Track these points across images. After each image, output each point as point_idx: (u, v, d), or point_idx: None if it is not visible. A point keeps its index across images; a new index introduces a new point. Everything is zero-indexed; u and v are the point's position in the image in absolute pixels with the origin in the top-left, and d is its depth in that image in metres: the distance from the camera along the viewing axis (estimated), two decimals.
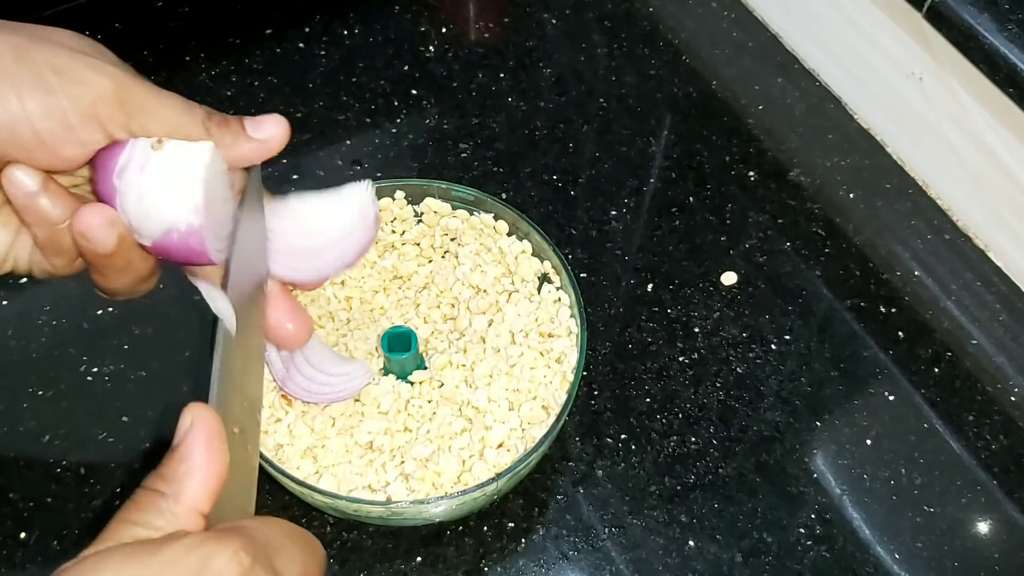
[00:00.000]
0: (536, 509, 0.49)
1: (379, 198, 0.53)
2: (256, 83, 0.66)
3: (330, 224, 0.41)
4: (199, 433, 0.30)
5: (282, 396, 0.47)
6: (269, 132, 0.37)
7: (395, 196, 0.53)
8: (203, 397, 0.52)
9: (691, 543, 0.49)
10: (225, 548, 0.27)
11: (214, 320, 0.35)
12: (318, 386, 0.47)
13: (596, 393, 0.53)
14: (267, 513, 0.48)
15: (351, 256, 0.41)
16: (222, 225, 0.37)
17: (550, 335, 0.49)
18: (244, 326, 0.36)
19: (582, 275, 0.58)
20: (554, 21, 0.72)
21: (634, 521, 0.49)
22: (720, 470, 0.51)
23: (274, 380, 0.47)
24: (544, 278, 0.52)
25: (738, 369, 0.54)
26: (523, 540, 0.49)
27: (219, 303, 0.35)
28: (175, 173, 0.34)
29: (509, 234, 0.52)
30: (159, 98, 0.34)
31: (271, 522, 0.30)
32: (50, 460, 0.50)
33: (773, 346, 0.55)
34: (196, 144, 0.35)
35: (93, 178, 0.35)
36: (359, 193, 0.41)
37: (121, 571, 0.26)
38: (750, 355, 0.55)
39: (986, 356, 0.56)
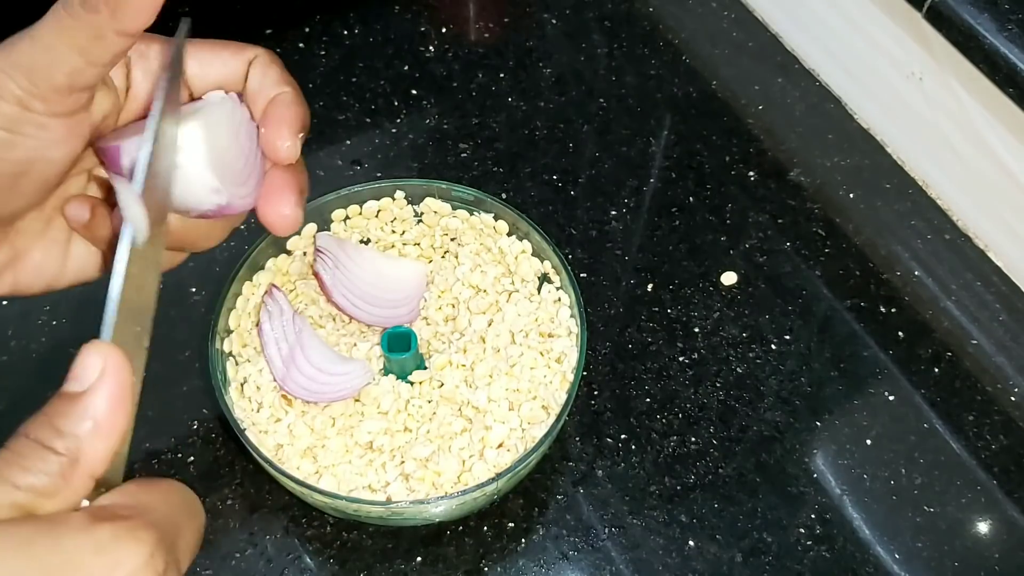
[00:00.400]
0: (536, 509, 0.49)
1: (379, 198, 0.53)
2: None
3: (395, 285, 0.50)
4: (110, 385, 0.26)
5: (282, 396, 0.47)
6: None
7: (395, 196, 0.53)
8: (196, 395, 0.52)
9: (691, 543, 0.49)
10: (140, 551, 0.23)
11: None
12: (318, 385, 0.47)
13: (596, 393, 0.53)
14: (267, 513, 0.49)
15: (404, 318, 0.50)
16: (248, 173, 0.36)
17: (550, 335, 0.49)
18: (150, 240, 0.31)
19: (582, 275, 0.58)
20: (554, 21, 0.72)
21: (634, 521, 0.49)
22: (720, 470, 0.51)
23: (274, 379, 0.47)
24: (544, 278, 0.52)
25: (738, 369, 0.55)
26: (523, 540, 0.49)
27: (133, 209, 0.30)
28: (182, 165, 0.34)
29: (509, 234, 0.52)
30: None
31: (166, 495, 0.27)
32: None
33: (773, 346, 0.55)
34: (189, 124, 0.34)
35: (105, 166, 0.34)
36: (423, 269, 0.51)
37: (12, 562, 0.22)
38: (750, 355, 0.55)
39: (986, 356, 0.56)
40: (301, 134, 0.36)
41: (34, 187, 0.33)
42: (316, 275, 0.50)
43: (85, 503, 0.26)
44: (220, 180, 0.35)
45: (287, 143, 0.35)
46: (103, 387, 0.25)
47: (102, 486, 0.27)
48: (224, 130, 0.35)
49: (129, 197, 0.30)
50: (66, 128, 0.33)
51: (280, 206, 0.36)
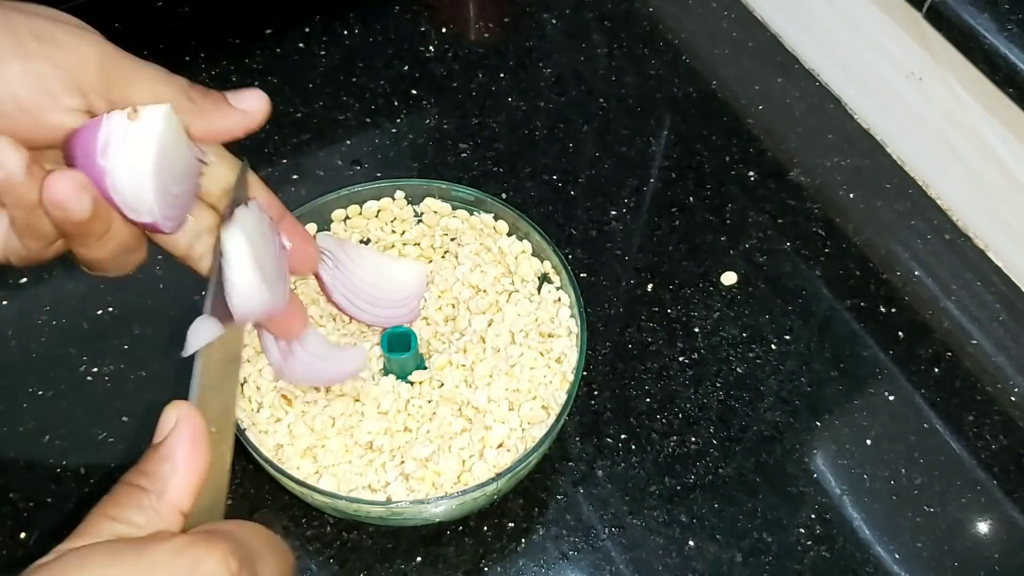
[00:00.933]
0: (536, 509, 0.49)
1: (379, 198, 0.53)
2: (256, 83, 0.66)
3: (395, 285, 0.50)
4: (184, 432, 0.30)
5: (282, 396, 0.47)
6: (252, 104, 0.37)
7: (395, 196, 0.53)
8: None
9: (691, 543, 0.49)
10: (214, 552, 0.26)
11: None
12: (316, 372, 0.47)
13: (596, 393, 0.53)
14: (267, 513, 0.49)
15: (404, 318, 0.50)
16: (279, 273, 0.39)
17: (550, 335, 0.49)
18: (229, 331, 0.37)
19: (582, 275, 0.58)
20: (554, 21, 0.72)
21: (634, 521, 0.49)
22: (720, 470, 0.51)
23: (271, 367, 0.47)
24: (544, 278, 0.52)
25: (738, 369, 0.55)
26: (523, 540, 0.49)
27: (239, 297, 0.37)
28: (232, 273, 0.36)
29: (509, 234, 0.52)
30: (141, 67, 0.34)
31: (249, 526, 0.30)
32: (50, 460, 0.50)
33: (773, 346, 0.55)
34: (234, 233, 0.36)
35: (72, 165, 0.33)
36: (423, 269, 0.51)
37: (105, 569, 0.25)
38: (750, 355, 0.55)
39: (986, 356, 0.56)
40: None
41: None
42: (316, 275, 0.50)
43: None
44: (265, 283, 0.37)
45: (310, 252, 0.42)
46: (178, 433, 0.30)
47: (200, 522, 0.30)
48: (259, 237, 0.38)
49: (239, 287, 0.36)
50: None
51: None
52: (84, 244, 0.34)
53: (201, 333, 0.35)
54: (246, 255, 0.36)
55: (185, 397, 0.33)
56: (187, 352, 0.35)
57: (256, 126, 0.37)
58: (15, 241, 0.35)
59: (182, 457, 0.29)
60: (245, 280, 0.36)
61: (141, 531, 0.28)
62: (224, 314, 0.36)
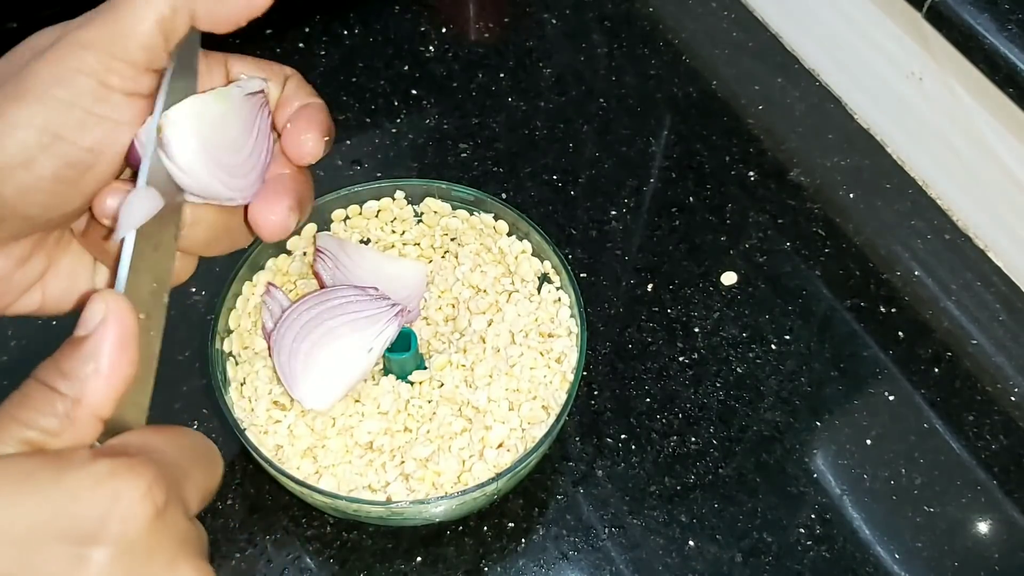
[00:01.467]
0: (536, 509, 0.49)
1: (379, 198, 0.53)
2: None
3: (395, 285, 0.50)
4: (111, 330, 0.26)
5: (273, 403, 0.47)
6: None
7: (395, 196, 0.53)
8: (196, 395, 0.52)
9: (691, 543, 0.49)
10: (138, 484, 0.24)
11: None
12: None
13: (596, 393, 0.53)
14: (267, 513, 0.49)
15: (405, 318, 0.49)
16: (248, 168, 0.35)
17: (550, 335, 0.49)
18: (167, 206, 0.32)
19: (582, 275, 0.58)
20: (554, 21, 0.72)
21: (634, 521, 0.49)
22: (720, 470, 0.51)
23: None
24: (544, 278, 0.52)
25: (738, 369, 0.55)
26: (523, 540, 0.49)
27: (145, 168, 0.31)
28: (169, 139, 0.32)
29: (509, 234, 0.52)
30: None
31: (174, 438, 0.27)
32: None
33: (773, 346, 0.55)
34: (193, 102, 0.32)
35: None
36: (423, 269, 0.51)
37: (18, 500, 0.23)
38: (750, 355, 0.55)
39: (986, 356, 0.56)
40: (327, 138, 0.37)
41: (96, 182, 0.31)
42: (316, 275, 0.50)
43: (96, 445, 0.27)
44: (206, 164, 0.33)
45: (311, 139, 0.36)
46: (106, 331, 0.26)
47: (118, 431, 0.27)
48: (233, 117, 0.34)
49: (144, 160, 0.31)
50: (137, 112, 0.31)
51: (272, 209, 0.35)
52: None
53: (137, 209, 0.30)
54: (192, 132, 0.32)
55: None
56: (120, 234, 0.30)
57: (260, 10, 0.32)
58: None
59: (107, 359, 0.26)
60: (186, 161, 0.32)
61: (53, 438, 0.25)
62: (165, 189, 0.32)
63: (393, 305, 0.47)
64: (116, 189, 0.31)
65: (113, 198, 0.31)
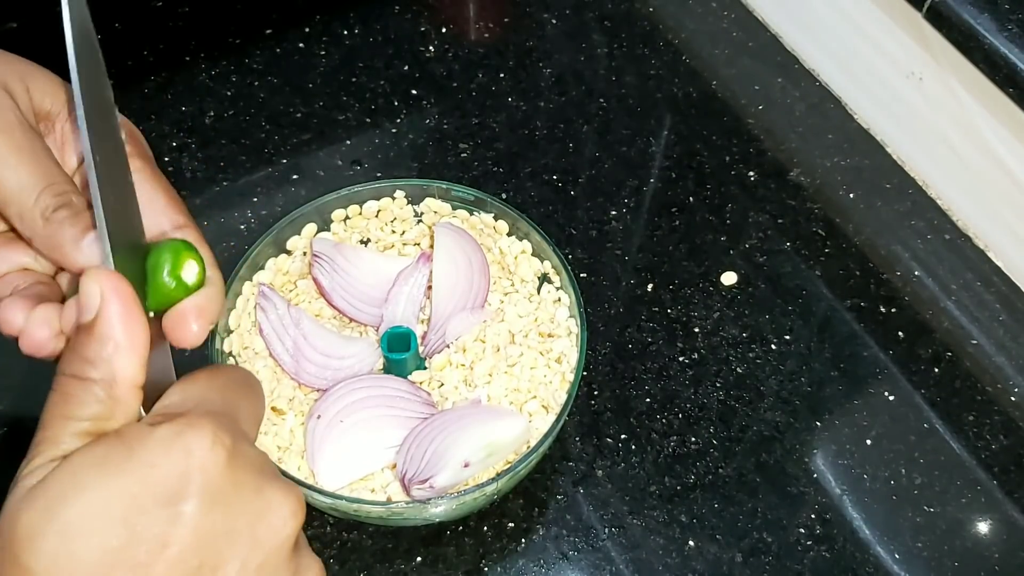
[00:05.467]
0: (536, 509, 0.49)
1: (379, 198, 0.53)
2: (256, 83, 0.66)
3: (397, 287, 0.50)
4: (114, 306, 0.27)
5: (272, 408, 0.47)
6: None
7: (395, 196, 0.53)
8: None
9: (691, 543, 0.49)
10: (203, 435, 0.25)
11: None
12: (331, 372, 0.47)
13: (596, 393, 0.53)
14: None
15: (411, 319, 0.50)
16: None
17: (550, 335, 0.49)
18: (112, 160, 0.31)
19: (582, 275, 0.58)
20: (554, 21, 0.72)
21: (634, 521, 0.49)
22: (720, 470, 0.51)
23: (286, 373, 0.47)
24: (544, 278, 0.52)
25: (738, 369, 0.54)
26: (523, 540, 0.49)
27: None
28: None
29: (509, 234, 0.52)
30: (13, 159, 0.30)
31: (218, 382, 0.28)
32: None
33: (773, 346, 0.55)
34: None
35: None
36: (425, 271, 0.50)
37: (101, 485, 0.24)
38: (750, 355, 0.55)
39: (986, 356, 0.56)
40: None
41: None
42: (315, 280, 0.50)
43: (143, 413, 0.28)
44: None
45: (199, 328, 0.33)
46: (109, 308, 0.27)
47: (155, 389, 0.29)
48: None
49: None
50: None
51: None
52: None
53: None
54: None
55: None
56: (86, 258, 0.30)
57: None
58: None
59: (121, 335, 0.26)
60: None
61: (105, 422, 0.26)
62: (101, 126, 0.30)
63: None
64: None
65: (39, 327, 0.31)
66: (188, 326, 0.31)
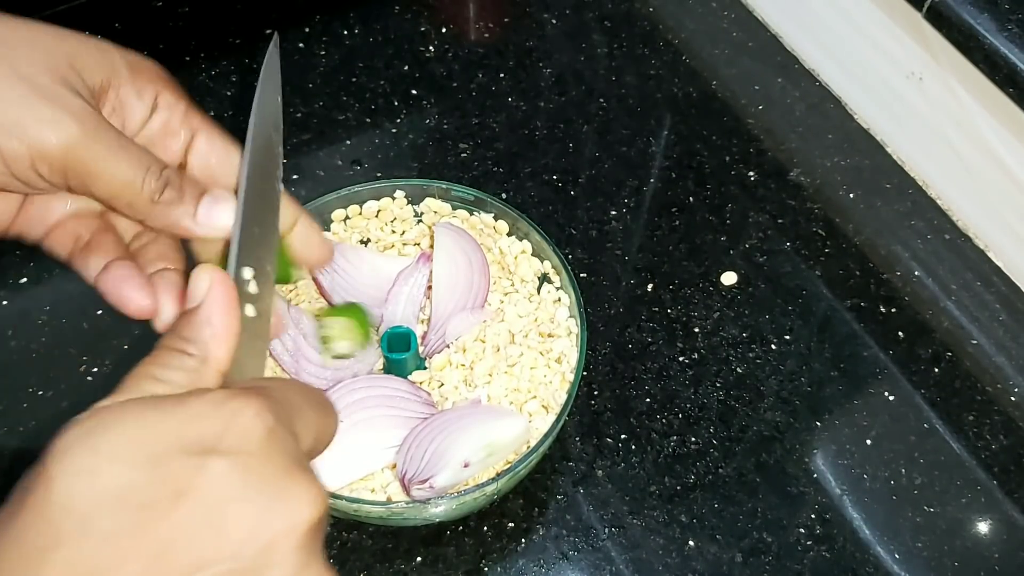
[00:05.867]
0: (536, 509, 0.49)
1: (379, 198, 0.53)
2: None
3: (397, 287, 0.50)
4: (217, 297, 0.30)
5: None
6: (219, 222, 0.35)
7: (395, 196, 0.53)
8: None
9: (691, 543, 0.49)
10: (250, 406, 0.27)
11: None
12: (332, 372, 0.47)
13: (596, 393, 0.53)
14: None
15: (411, 319, 0.50)
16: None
17: (550, 335, 0.49)
18: (262, 195, 0.36)
19: (582, 275, 0.58)
20: (554, 21, 0.72)
21: (634, 521, 0.49)
22: (720, 470, 0.51)
23: (286, 372, 0.47)
24: (544, 278, 0.52)
25: (738, 369, 0.54)
26: (523, 540, 0.49)
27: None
28: None
29: (509, 234, 0.52)
30: (110, 160, 0.32)
31: (290, 384, 0.30)
32: None
33: (773, 346, 0.55)
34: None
35: None
36: (425, 271, 0.50)
37: (143, 422, 0.26)
38: (750, 355, 0.55)
39: (986, 356, 0.56)
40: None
41: None
42: (315, 280, 0.50)
43: None
44: None
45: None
46: (211, 299, 0.30)
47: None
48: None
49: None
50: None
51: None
52: None
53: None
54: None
55: None
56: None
57: (216, 236, 0.36)
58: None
59: (219, 322, 0.30)
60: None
61: (181, 391, 0.28)
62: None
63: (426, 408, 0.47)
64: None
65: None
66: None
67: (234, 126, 0.69)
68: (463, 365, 0.48)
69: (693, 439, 0.52)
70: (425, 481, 0.43)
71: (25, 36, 0.32)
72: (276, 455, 0.27)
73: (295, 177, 0.62)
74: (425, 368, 0.49)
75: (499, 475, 0.43)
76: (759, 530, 0.49)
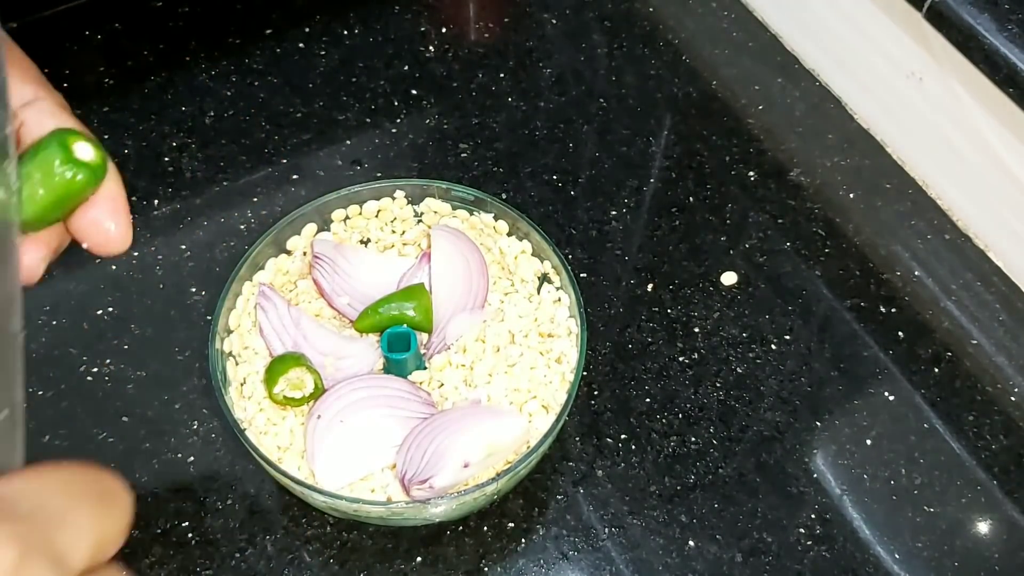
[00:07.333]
0: (536, 509, 0.49)
1: (379, 198, 0.53)
2: (256, 83, 0.66)
3: (395, 286, 0.50)
4: None
5: (275, 402, 0.47)
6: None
7: (395, 196, 0.53)
8: (196, 395, 0.52)
9: (691, 543, 0.49)
10: (5, 555, 0.20)
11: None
12: (332, 371, 0.47)
13: (596, 393, 0.53)
14: (267, 513, 0.49)
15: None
16: None
17: (550, 335, 0.49)
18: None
19: (582, 275, 0.58)
20: (554, 21, 0.72)
21: (634, 521, 0.49)
22: (720, 470, 0.51)
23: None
24: (544, 278, 0.52)
25: (738, 369, 0.54)
26: (523, 540, 0.49)
27: None
28: None
29: (509, 234, 0.52)
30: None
31: (47, 479, 0.24)
32: (50, 460, 0.50)
33: (773, 346, 0.55)
34: None
35: None
36: (425, 272, 0.50)
37: None
38: (750, 355, 0.55)
39: (986, 356, 0.56)
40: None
41: None
42: (315, 282, 0.50)
43: None
44: None
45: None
46: None
47: None
48: None
49: None
50: None
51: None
52: None
53: None
54: None
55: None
56: None
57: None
58: None
59: None
60: None
61: None
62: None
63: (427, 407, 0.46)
64: None
65: None
66: (103, 225, 0.28)
67: (234, 126, 0.70)
68: (463, 365, 0.48)
69: (693, 439, 0.52)
70: (425, 481, 0.43)
71: None
72: None
73: (295, 177, 0.62)
74: (425, 368, 0.49)
75: (499, 475, 0.43)
76: (759, 530, 0.49)
